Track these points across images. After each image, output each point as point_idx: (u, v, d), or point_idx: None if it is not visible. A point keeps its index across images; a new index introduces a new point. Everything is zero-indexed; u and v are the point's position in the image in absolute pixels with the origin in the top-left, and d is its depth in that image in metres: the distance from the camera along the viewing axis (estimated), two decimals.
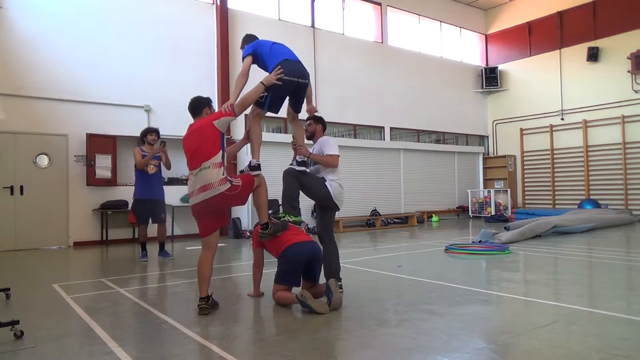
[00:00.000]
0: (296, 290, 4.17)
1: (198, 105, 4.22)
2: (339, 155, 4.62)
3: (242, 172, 4.31)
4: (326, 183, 4.54)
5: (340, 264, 4.70)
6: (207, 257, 4.04)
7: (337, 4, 13.48)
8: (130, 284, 5.40)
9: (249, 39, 4.77)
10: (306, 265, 4.19)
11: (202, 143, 3.91)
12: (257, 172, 4.16)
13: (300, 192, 4.56)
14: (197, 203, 3.94)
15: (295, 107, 4.62)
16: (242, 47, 4.74)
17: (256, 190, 4.15)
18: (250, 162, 4.20)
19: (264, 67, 4.45)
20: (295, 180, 4.46)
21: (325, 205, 4.65)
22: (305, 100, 4.63)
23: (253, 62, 4.44)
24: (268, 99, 4.23)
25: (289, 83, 4.21)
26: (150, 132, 7.23)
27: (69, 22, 9.40)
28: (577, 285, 5.01)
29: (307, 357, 2.94)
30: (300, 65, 4.35)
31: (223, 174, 3.88)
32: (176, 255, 7.69)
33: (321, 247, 4.49)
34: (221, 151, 3.92)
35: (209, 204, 3.90)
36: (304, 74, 4.37)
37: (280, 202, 4.70)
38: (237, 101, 4.07)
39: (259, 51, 4.43)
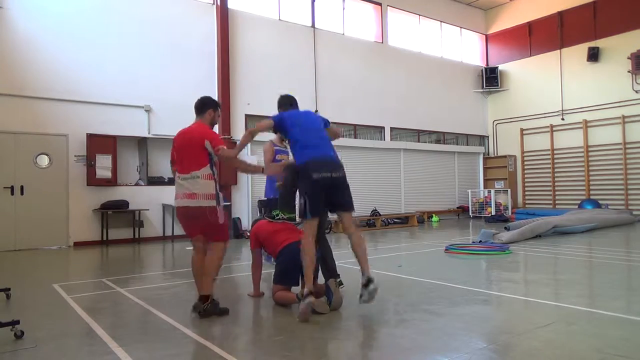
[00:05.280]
0: (296, 290, 4.17)
1: (203, 106, 4.16)
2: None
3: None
4: None
5: (338, 264, 4.71)
6: (196, 258, 4.07)
7: (337, 4, 13.47)
8: (131, 284, 5.40)
9: (282, 102, 4.56)
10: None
11: (192, 151, 3.93)
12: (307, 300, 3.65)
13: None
14: (180, 207, 3.98)
15: (341, 206, 3.92)
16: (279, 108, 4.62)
17: (215, 250, 3.95)
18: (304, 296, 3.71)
19: (284, 134, 4.26)
20: (292, 178, 4.46)
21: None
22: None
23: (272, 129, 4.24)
24: (307, 205, 3.75)
25: (321, 181, 3.73)
26: None
27: (69, 22, 9.40)
28: (577, 285, 5.00)
29: (307, 357, 2.95)
30: (329, 157, 3.86)
31: (214, 190, 3.90)
32: (176, 255, 7.68)
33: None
34: (209, 165, 3.92)
35: (189, 212, 3.93)
36: (336, 166, 3.83)
37: (267, 213, 4.71)
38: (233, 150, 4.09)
39: (282, 125, 4.14)
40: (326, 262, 4.55)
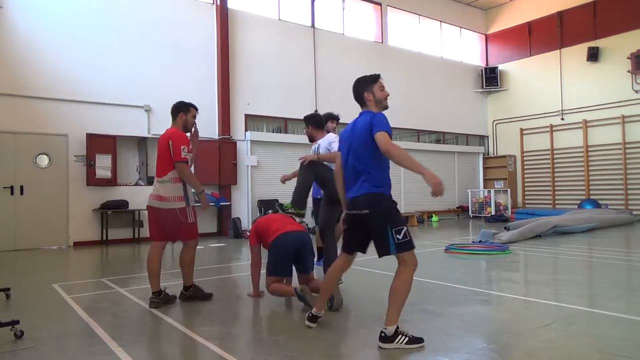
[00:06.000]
0: (293, 284, 4.16)
1: (174, 111, 4.38)
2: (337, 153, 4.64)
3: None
4: None
5: None
6: (155, 259, 4.28)
7: (337, 4, 13.47)
8: (130, 284, 5.41)
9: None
10: (296, 255, 4.21)
11: (162, 156, 4.19)
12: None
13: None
14: (151, 207, 4.20)
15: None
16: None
17: (189, 248, 4.29)
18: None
19: None
20: (313, 175, 4.43)
21: (339, 201, 4.66)
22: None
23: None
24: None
25: (347, 217, 3.36)
26: (332, 119, 5.87)
27: (69, 22, 9.39)
28: (577, 285, 5.00)
29: (307, 357, 2.95)
30: (352, 199, 3.23)
31: (182, 192, 4.13)
32: (175, 256, 7.67)
33: (311, 237, 4.43)
34: (175, 170, 4.15)
35: (161, 214, 4.15)
36: (356, 204, 3.20)
37: (278, 202, 4.75)
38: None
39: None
40: (329, 260, 4.55)
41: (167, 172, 4.12)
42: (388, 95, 3.30)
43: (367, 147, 3.13)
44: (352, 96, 3.36)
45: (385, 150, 3.01)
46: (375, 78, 3.30)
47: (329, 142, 4.72)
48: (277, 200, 11.09)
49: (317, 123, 4.98)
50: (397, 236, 3.03)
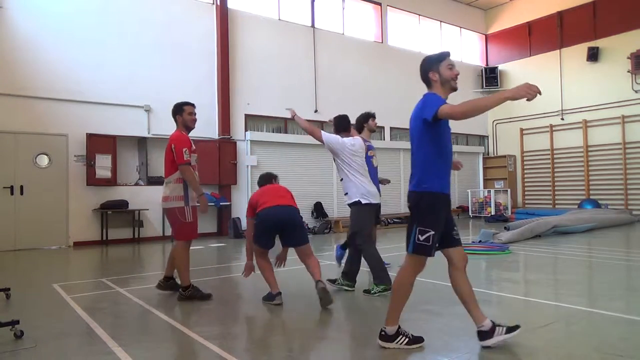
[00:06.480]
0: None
1: (172, 114, 4.55)
2: (322, 135, 4.72)
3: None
4: (361, 206, 4.61)
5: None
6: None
7: (337, 4, 13.47)
8: (130, 284, 5.41)
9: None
10: (282, 230, 4.26)
11: (166, 158, 4.38)
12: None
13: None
14: (163, 209, 4.52)
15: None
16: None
17: (183, 248, 4.40)
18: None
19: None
20: (371, 246, 4.56)
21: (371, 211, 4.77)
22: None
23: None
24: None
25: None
26: (372, 118, 5.67)
27: (69, 22, 9.40)
28: (577, 285, 5.01)
29: (307, 357, 2.95)
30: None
31: (182, 192, 4.28)
32: None
33: (296, 213, 4.35)
34: (178, 171, 4.33)
35: (166, 214, 4.49)
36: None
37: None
38: None
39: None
40: (349, 264, 4.67)
41: (171, 174, 4.34)
42: (457, 74, 3.03)
43: (416, 137, 3.00)
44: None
45: (459, 117, 2.77)
46: (443, 56, 3.06)
47: (334, 137, 4.84)
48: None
49: (337, 125, 5.12)
50: (419, 236, 2.93)
